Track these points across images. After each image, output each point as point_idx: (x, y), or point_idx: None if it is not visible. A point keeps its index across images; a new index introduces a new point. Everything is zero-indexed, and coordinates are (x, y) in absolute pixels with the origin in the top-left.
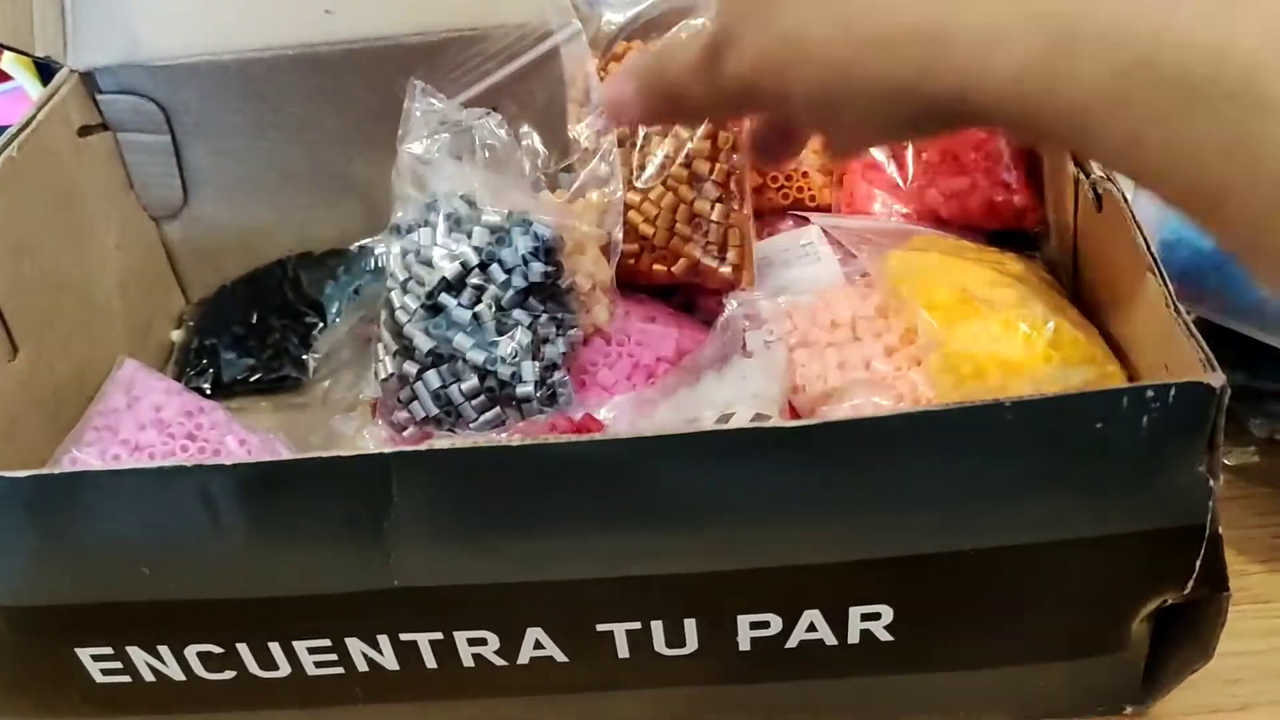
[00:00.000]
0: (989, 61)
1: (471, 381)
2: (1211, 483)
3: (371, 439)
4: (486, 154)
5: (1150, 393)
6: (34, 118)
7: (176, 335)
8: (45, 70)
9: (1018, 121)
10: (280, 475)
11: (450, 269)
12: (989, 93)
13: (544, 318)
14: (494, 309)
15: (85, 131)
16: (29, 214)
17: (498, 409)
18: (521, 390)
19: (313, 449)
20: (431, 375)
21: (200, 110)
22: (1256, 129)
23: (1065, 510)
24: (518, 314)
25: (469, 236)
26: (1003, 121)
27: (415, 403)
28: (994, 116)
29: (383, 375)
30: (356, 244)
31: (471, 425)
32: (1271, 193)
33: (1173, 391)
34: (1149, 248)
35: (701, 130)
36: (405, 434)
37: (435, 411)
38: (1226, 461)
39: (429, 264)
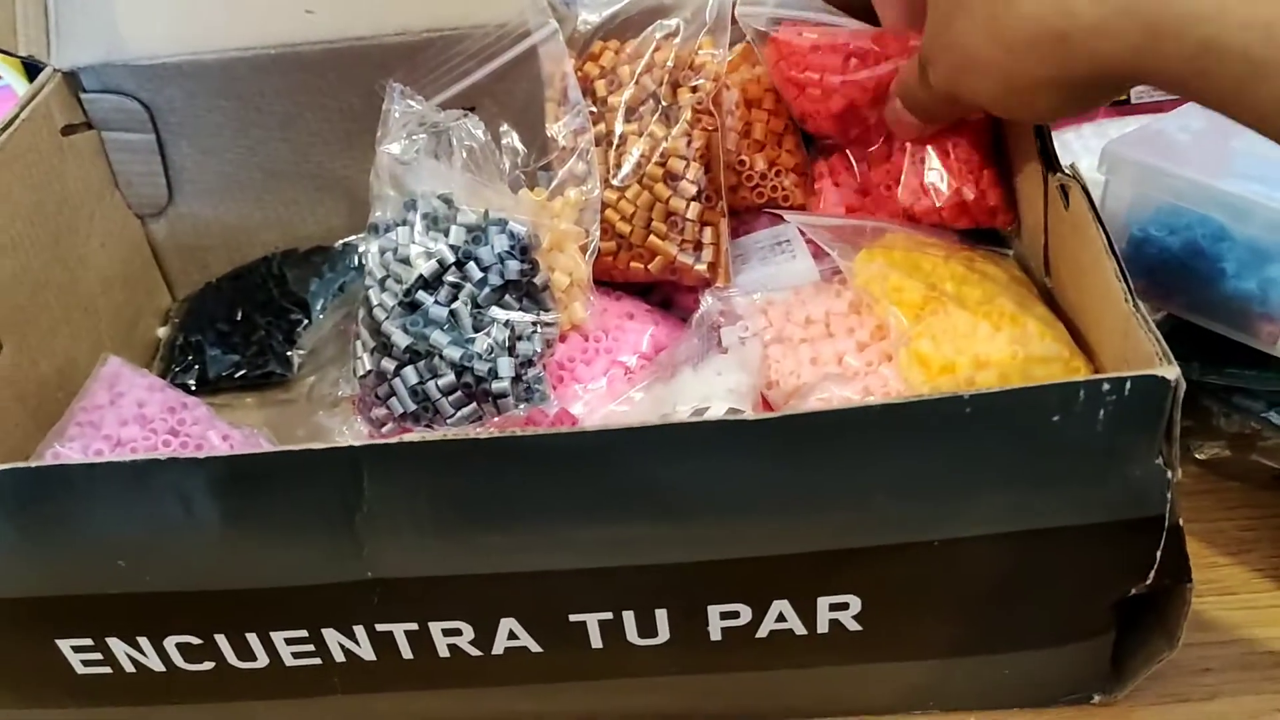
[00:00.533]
0: (1106, 50)
1: (448, 378)
2: (1169, 474)
3: (352, 435)
4: (464, 154)
5: (1106, 386)
6: (17, 117)
7: (162, 332)
8: (32, 68)
9: (1147, 83)
10: (253, 469)
11: (427, 267)
12: (1115, 72)
13: (520, 315)
14: (470, 306)
15: (69, 130)
16: (13, 212)
17: (474, 405)
18: (497, 386)
19: (298, 444)
20: (409, 371)
21: (184, 109)
22: None
23: (1026, 502)
24: (494, 311)
25: (446, 235)
26: (1136, 85)
27: (393, 399)
28: (1127, 85)
29: (361, 372)
30: (340, 241)
31: (449, 421)
32: None
33: (1128, 385)
34: (1109, 244)
35: (677, 129)
36: (384, 430)
37: (413, 407)
38: (1198, 456)
39: (406, 262)
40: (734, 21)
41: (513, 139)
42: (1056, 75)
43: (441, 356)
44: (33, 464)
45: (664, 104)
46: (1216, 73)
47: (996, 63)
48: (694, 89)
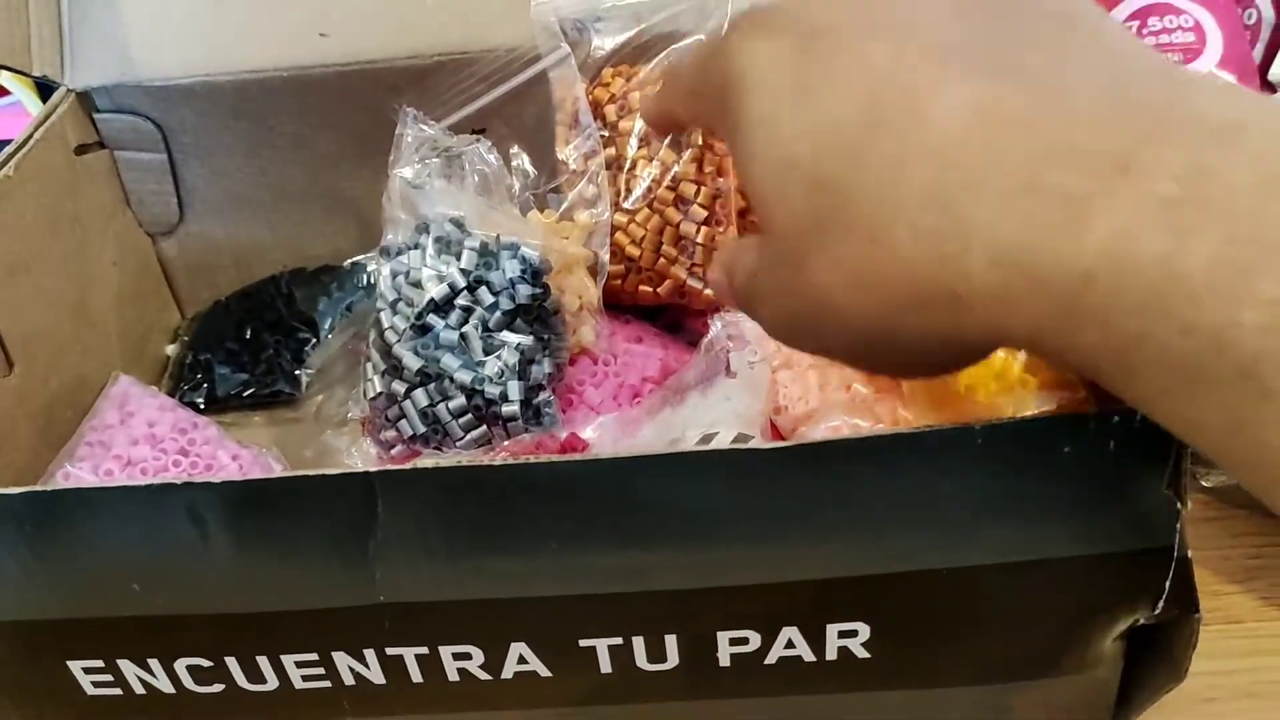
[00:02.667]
0: (1005, 322)
1: (459, 400)
2: (1178, 505)
3: (360, 457)
4: (476, 178)
5: (1116, 419)
6: (31, 136)
7: (171, 350)
8: (44, 86)
9: (1054, 362)
10: (267, 493)
11: (439, 290)
12: (1011, 343)
13: (531, 339)
14: (481, 330)
15: (82, 150)
16: (26, 231)
17: (484, 428)
18: (507, 410)
19: (306, 464)
20: (419, 394)
21: (196, 129)
22: (1256, 415)
23: (1035, 531)
24: (505, 335)
25: (458, 259)
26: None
27: (403, 421)
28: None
29: (371, 394)
30: (349, 261)
31: (458, 444)
32: (1273, 473)
33: (1138, 416)
34: None
35: (688, 154)
36: (393, 452)
37: (423, 430)
38: (1204, 484)
39: (418, 285)
40: None
41: (523, 161)
42: (944, 339)
43: (452, 380)
44: (47, 487)
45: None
46: (1143, 372)
47: (865, 317)
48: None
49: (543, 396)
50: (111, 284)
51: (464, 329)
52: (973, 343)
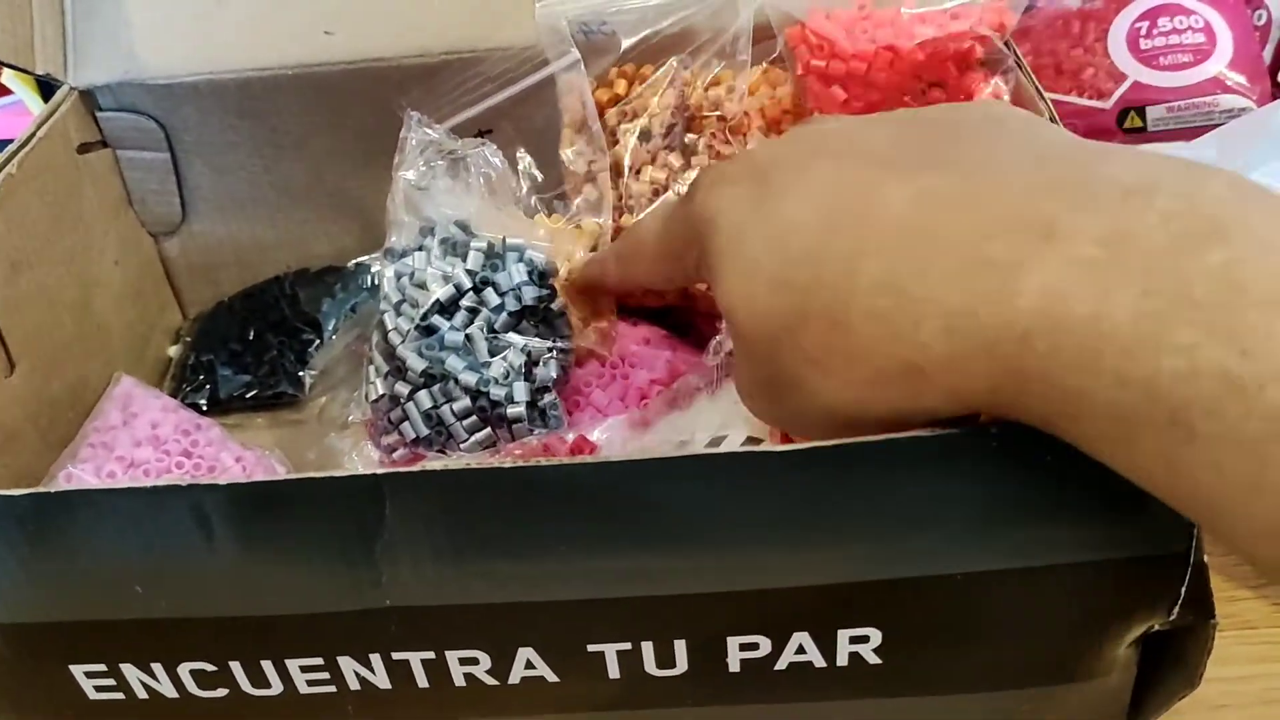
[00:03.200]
0: (962, 386)
1: (463, 402)
2: None
3: (361, 461)
4: (481, 181)
5: None
6: (34, 135)
7: (173, 351)
8: (45, 85)
9: (1013, 418)
10: (273, 495)
11: (444, 292)
12: (974, 407)
13: (537, 341)
14: (486, 332)
15: (85, 149)
16: (28, 230)
17: (488, 430)
18: (513, 411)
19: (309, 465)
20: (423, 395)
21: (199, 128)
22: (1187, 456)
23: (1050, 536)
24: (511, 336)
25: (464, 260)
26: (1003, 417)
27: (406, 423)
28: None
29: (373, 397)
30: (353, 261)
31: (462, 445)
32: (1208, 510)
33: None
34: None
35: (697, 160)
36: (395, 456)
37: (426, 432)
38: None
39: (423, 287)
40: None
41: (529, 164)
42: (908, 411)
43: (457, 381)
44: (50, 488)
45: (681, 135)
46: (1088, 423)
47: (834, 396)
48: (719, 118)
49: (548, 398)
50: (113, 284)
51: (469, 330)
52: (937, 410)
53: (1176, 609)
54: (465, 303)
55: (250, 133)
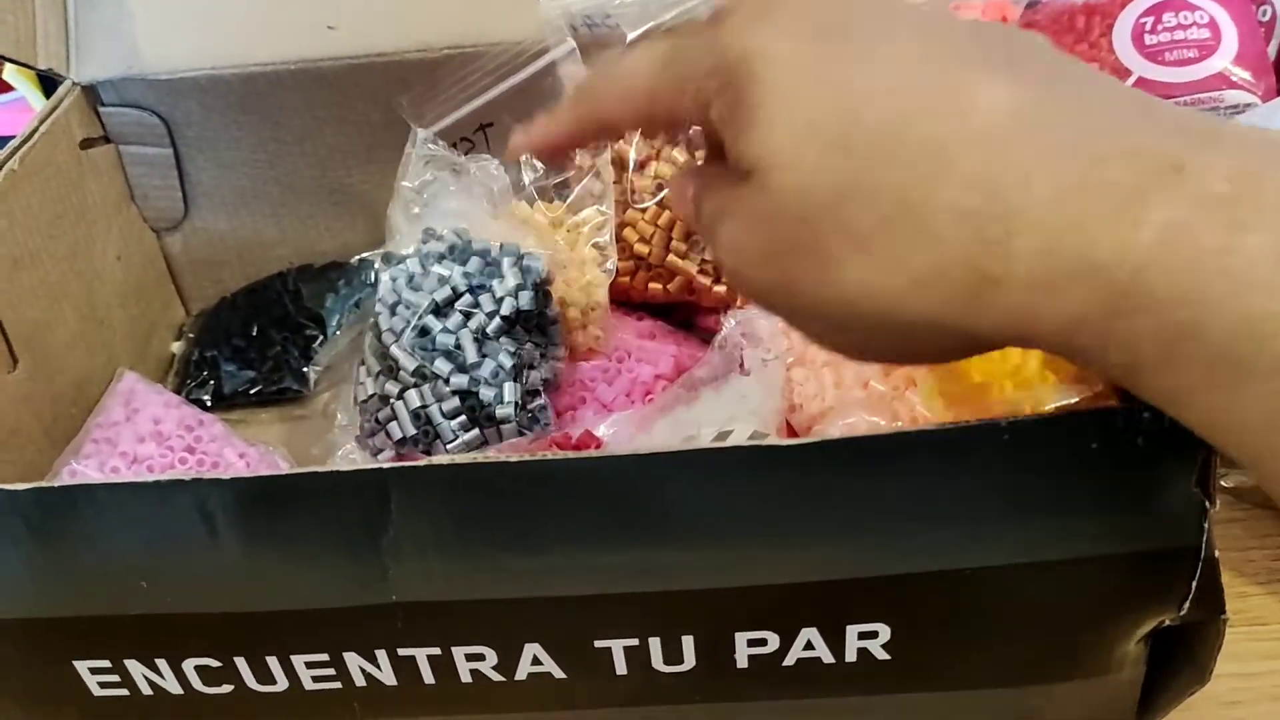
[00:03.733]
0: (1041, 310)
1: (453, 402)
2: (1206, 504)
3: (360, 459)
4: (481, 191)
5: (1145, 413)
6: (36, 130)
7: (177, 347)
8: (47, 81)
9: (1074, 360)
10: (278, 490)
11: (440, 293)
12: (1037, 337)
13: (529, 345)
14: (479, 335)
15: (87, 144)
16: (30, 226)
17: (477, 430)
18: (501, 411)
19: (313, 461)
20: (413, 394)
21: (202, 123)
22: None
23: (1060, 530)
24: (503, 341)
25: (461, 265)
26: (1048, 352)
27: (394, 423)
28: (1038, 349)
29: (362, 397)
30: (357, 257)
31: (449, 446)
32: None
33: None
34: None
35: (701, 154)
36: (380, 458)
37: (413, 431)
38: (1225, 484)
39: (418, 289)
40: None
41: (531, 155)
42: (957, 322)
43: (447, 382)
44: (54, 483)
45: (686, 129)
46: (1188, 367)
47: (871, 286)
48: None
49: (538, 401)
50: (116, 280)
51: (460, 333)
52: (984, 332)
53: (1187, 604)
54: (460, 305)
55: (253, 128)
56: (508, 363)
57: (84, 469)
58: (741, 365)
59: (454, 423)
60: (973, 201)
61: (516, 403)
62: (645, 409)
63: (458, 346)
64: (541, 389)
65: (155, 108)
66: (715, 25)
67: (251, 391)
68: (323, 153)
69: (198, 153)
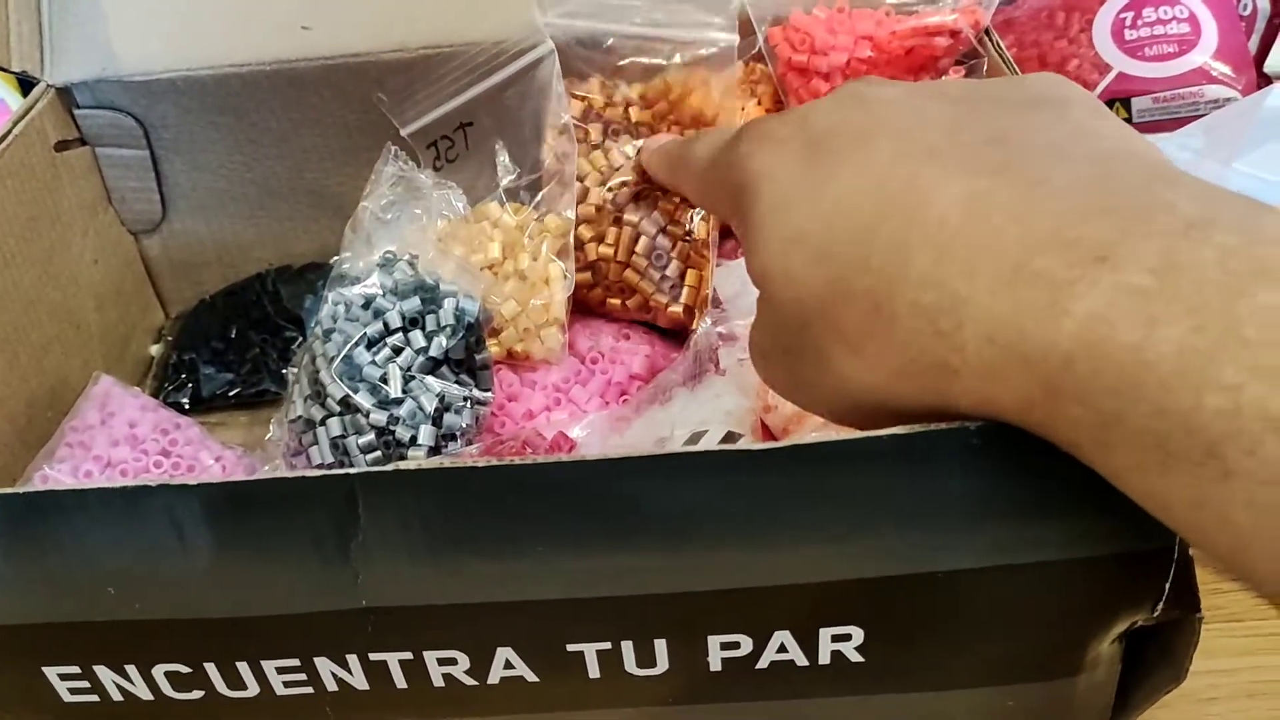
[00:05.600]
0: (994, 395)
1: (369, 436)
2: None
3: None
4: (439, 223)
5: None
6: (10, 133)
7: (155, 350)
8: (26, 83)
9: (1035, 433)
10: (247, 495)
11: (373, 327)
12: (1005, 417)
13: (456, 388)
14: (405, 371)
15: (62, 146)
16: (6, 229)
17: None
18: (413, 453)
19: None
20: (334, 423)
21: (178, 125)
22: (1219, 492)
23: (1033, 534)
24: (429, 380)
25: (402, 299)
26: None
27: (314, 448)
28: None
29: (291, 416)
30: (335, 258)
31: None
32: (1233, 544)
33: None
34: None
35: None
36: None
37: (331, 459)
38: None
39: (354, 320)
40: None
41: (504, 156)
42: (933, 407)
43: (367, 416)
44: (21, 489)
45: None
46: (1119, 451)
47: (860, 380)
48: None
49: (453, 447)
50: (93, 283)
51: (387, 368)
52: (960, 413)
53: (1161, 604)
54: (391, 341)
55: (230, 129)
56: (428, 405)
57: (57, 473)
58: (717, 365)
59: (368, 457)
60: (928, 297)
61: (430, 446)
62: (619, 410)
63: (384, 380)
64: (459, 434)
65: (131, 109)
66: (736, 144)
67: (230, 394)
68: (299, 154)
69: (174, 155)
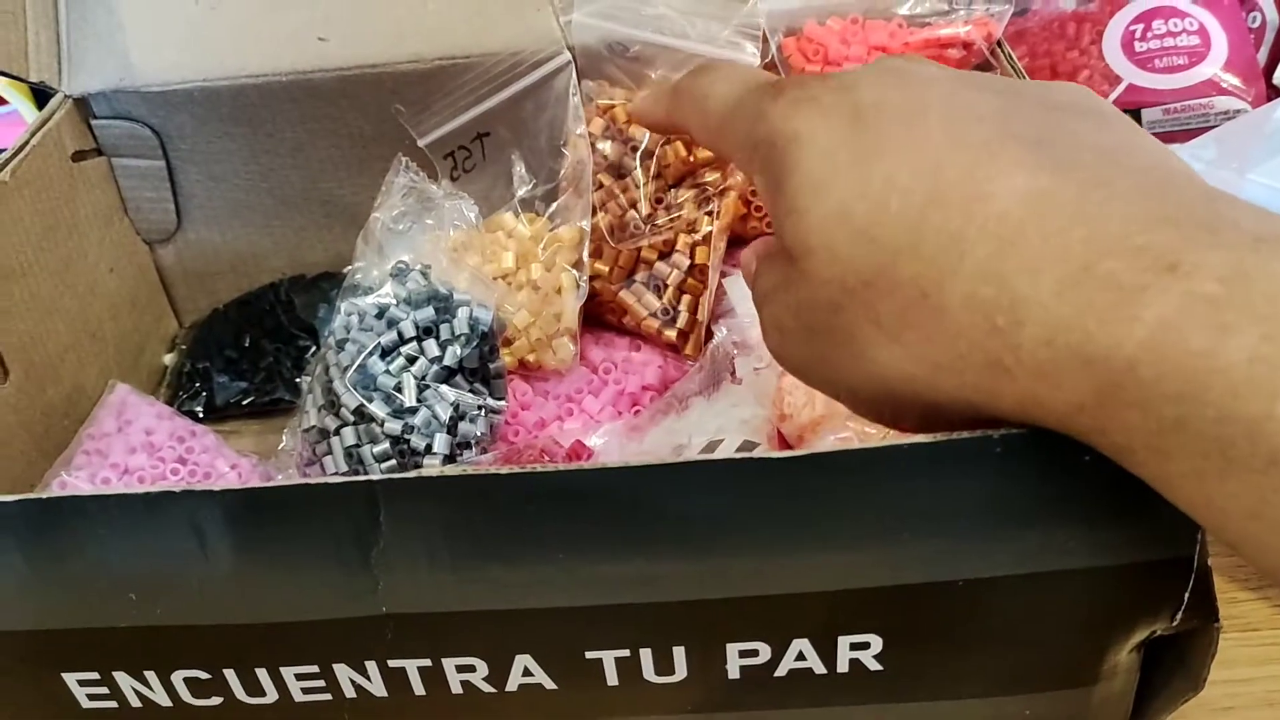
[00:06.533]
0: (1044, 398)
1: (383, 445)
2: None
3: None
4: (452, 232)
5: None
6: (28, 143)
7: (169, 359)
8: (40, 93)
9: (1084, 441)
10: (268, 501)
11: (387, 337)
12: (1043, 420)
13: (470, 397)
14: (419, 380)
15: (79, 156)
16: (24, 238)
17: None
18: (429, 461)
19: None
20: (348, 432)
21: (194, 135)
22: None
23: (1054, 542)
24: (442, 389)
25: (415, 309)
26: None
27: (329, 457)
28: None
29: (305, 426)
30: (349, 267)
31: None
32: None
33: None
34: None
35: (688, 210)
36: None
37: (345, 469)
38: None
39: (368, 330)
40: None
41: (520, 167)
42: (976, 404)
43: (381, 425)
44: (43, 495)
45: (674, 184)
46: (1176, 458)
47: (898, 371)
48: (702, 184)
49: (468, 455)
50: (108, 292)
51: (401, 377)
52: (1004, 412)
53: (1180, 613)
54: (405, 350)
55: (245, 139)
56: (443, 414)
57: (75, 480)
58: (733, 374)
59: (382, 466)
60: (985, 291)
61: (446, 455)
62: (636, 419)
63: (398, 390)
64: (474, 442)
65: (147, 120)
66: (772, 98)
67: (244, 403)
68: (314, 164)
69: (190, 164)
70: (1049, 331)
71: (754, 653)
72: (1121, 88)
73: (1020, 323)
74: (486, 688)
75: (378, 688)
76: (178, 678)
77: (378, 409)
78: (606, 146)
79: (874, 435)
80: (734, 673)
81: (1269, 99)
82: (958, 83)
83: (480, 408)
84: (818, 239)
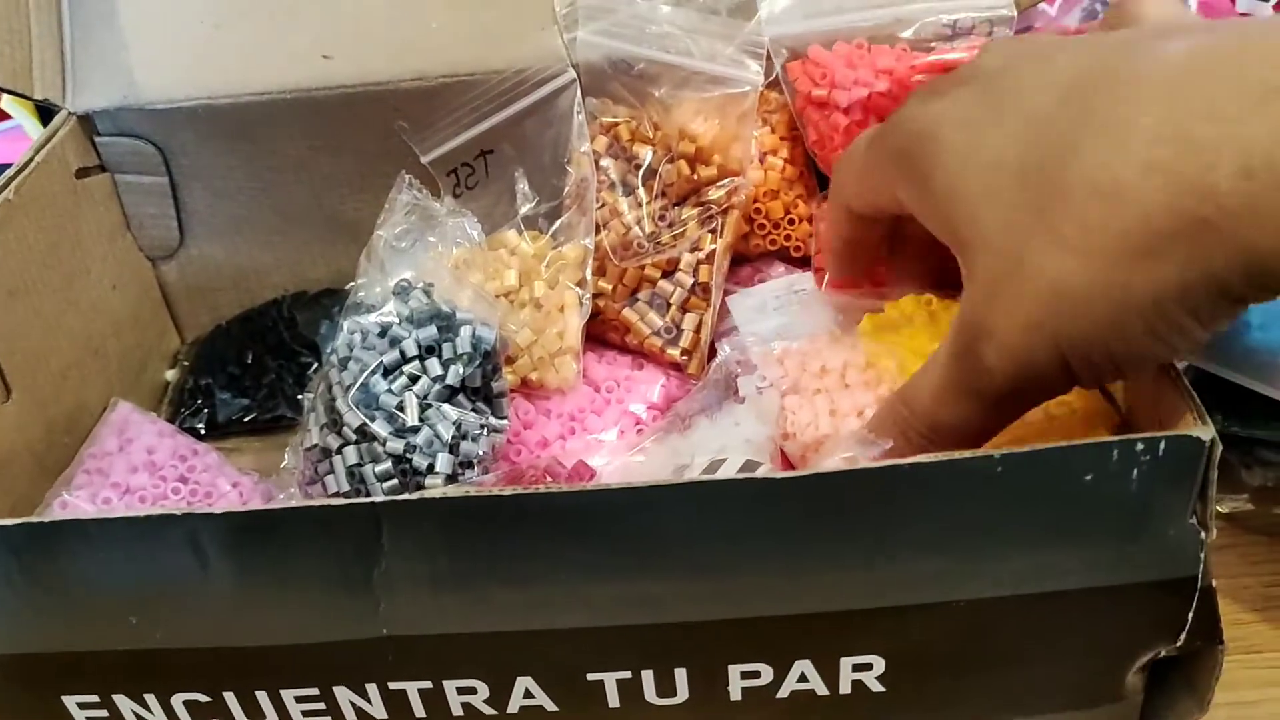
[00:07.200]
0: (1263, 242)
1: (385, 465)
2: (1203, 535)
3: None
4: (455, 250)
5: (1140, 445)
6: (32, 160)
7: (171, 375)
8: (45, 110)
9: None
10: (270, 523)
11: (389, 356)
12: (1263, 263)
13: (472, 416)
14: (421, 399)
15: (83, 173)
16: (25, 255)
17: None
18: (431, 481)
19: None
20: (350, 451)
21: (197, 152)
22: None
23: (1056, 562)
24: (445, 408)
25: (418, 327)
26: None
27: (330, 476)
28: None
29: (307, 444)
30: (351, 284)
31: None
32: None
33: (1162, 444)
34: None
35: (691, 228)
36: None
37: (347, 488)
38: (1219, 509)
39: (371, 348)
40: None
41: (523, 184)
42: (1192, 282)
43: (384, 444)
44: (44, 518)
45: (678, 202)
46: None
47: (1102, 285)
48: (706, 203)
49: (470, 475)
50: (111, 309)
51: (404, 396)
52: (1221, 279)
53: (1184, 634)
54: (407, 369)
55: (248, 156)
56: (445, 433)
57: (75, 500)
58: (736, 393)
59: (384, 485)
60: (1163, 154)
61: (448, 474)
62: (639, 438)
63: (400, 409)
64: (476, 461)
65: (151, 137)
66: (893, 124)
67: (246, 420)
68: (318, 181)
69: (193, 181)
70: (1245, 160)
71: (756, 674)
72: None
73: (1211, 166)
74: (487, 710)
75: (378, 710)
76: (177, 700)
77: (380, 428)
78: (610, 164)
79: (877, 455)
80: (736, 694)
81: None
82: (1063, 38)
83: (483, 427)
84: (980, 197)
